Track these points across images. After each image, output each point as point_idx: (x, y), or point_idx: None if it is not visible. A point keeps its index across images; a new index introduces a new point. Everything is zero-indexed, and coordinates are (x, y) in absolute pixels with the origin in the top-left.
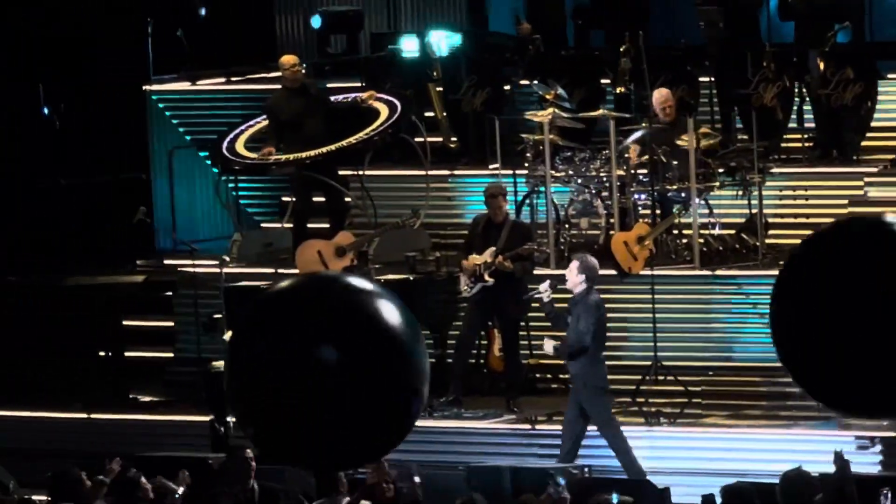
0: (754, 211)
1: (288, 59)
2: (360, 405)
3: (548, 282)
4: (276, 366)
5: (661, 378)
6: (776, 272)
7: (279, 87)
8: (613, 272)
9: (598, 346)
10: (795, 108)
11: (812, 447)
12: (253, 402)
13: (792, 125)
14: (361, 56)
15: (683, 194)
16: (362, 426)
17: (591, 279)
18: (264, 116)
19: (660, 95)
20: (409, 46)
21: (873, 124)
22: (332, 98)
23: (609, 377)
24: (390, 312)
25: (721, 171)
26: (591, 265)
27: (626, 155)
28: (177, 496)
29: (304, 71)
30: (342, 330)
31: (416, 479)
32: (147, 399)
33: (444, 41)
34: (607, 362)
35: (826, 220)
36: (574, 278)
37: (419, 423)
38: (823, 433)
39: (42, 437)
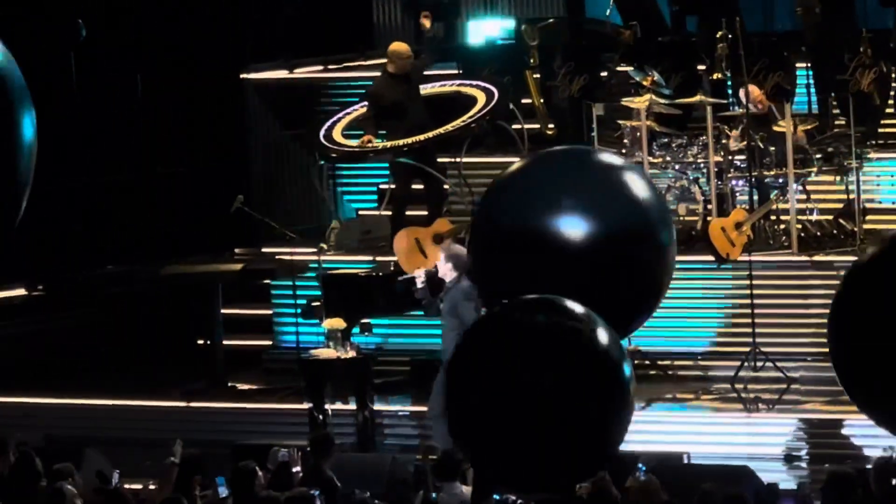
0: (852, 196)
1: (400, 48)
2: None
3: (423, 270)
4: None
5: (759, 364)
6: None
7: (379, 73)
8: (711, 258)
9: None
10: (893, 93)
11: None
12: None
13: (889, 110)
14: (458, 43)
15: (781, 180)
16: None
17: (460, 266)
18: (364, 103)
19: (751, 92)
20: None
21: None
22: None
23: (707, 363)
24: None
25: (818, 156)
26: (455, 253)
27: (724, 141)
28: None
29: (412, 58)
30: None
31: None
32: (245, 387)
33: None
34: (706, 348)
35: None
36: (443, 267)
37: None
38: None
39: (141, 426)
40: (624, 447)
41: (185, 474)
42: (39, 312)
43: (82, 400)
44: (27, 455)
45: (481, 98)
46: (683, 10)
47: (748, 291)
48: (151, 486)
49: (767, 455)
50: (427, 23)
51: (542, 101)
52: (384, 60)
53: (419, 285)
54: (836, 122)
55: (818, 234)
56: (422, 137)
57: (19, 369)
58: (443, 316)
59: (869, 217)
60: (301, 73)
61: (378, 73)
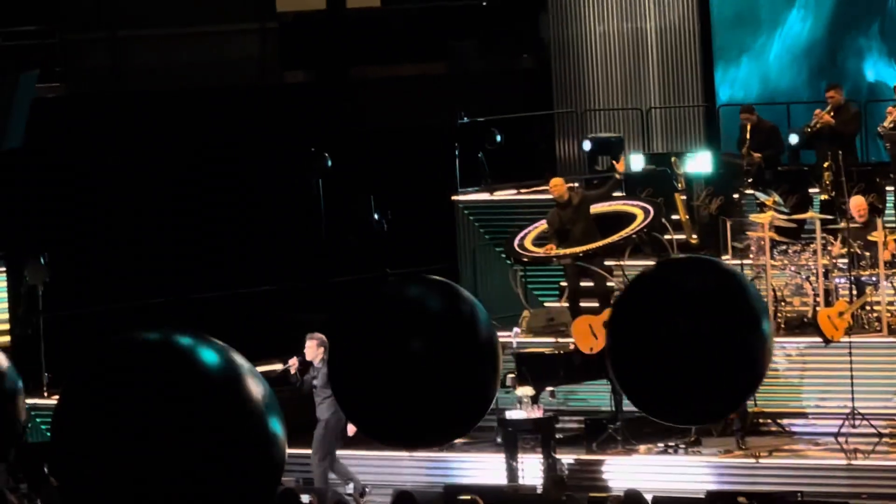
0: None
1: (554, 182)
2: None
3: (295, 357)
4: None
5: (857, 423)
6: None
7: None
8: (819, 340)
9: None
10: None
11: None
12: None
13: None
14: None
15: (874, 278)
16: None
17: (325, 347)
18: (544, 221)
19: (856, 202)
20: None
21: None
22: (591, 188)
23: (815, 421)
24: None
25: None
26: (321, 338)
27: (829, 248)
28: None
29: (567, 187)
30: None
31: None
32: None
33: (699, 160)
34: (815, 410)
35: None
36: (314, 351)
37: (669, 458)
38: None
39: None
40: (750, 488)
41: None
42: None
43: None
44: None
45: (640, 214)
46: (801, 147)
47: (849, 365)
48: None
49: (866, 492)
50: (620, 166)
51: (687, 216)
52: None
53: (291, 371)
54: None
55: None
56: (592, 246)
57: None
58: (317, 390)
59: None
60: (499, 195)
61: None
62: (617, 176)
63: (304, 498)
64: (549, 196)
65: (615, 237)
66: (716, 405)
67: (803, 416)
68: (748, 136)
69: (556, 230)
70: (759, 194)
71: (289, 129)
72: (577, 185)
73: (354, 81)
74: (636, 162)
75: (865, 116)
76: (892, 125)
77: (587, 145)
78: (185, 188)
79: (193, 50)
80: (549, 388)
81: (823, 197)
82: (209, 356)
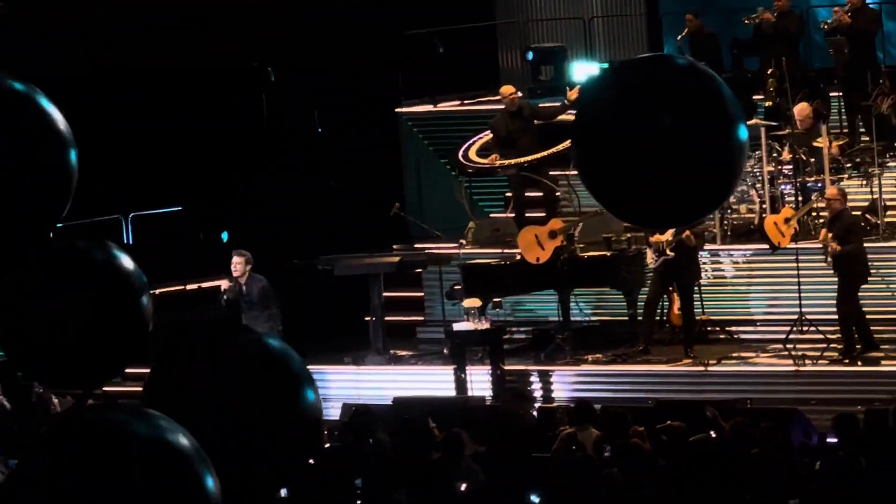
0: (875, 196)
1: (506, 89)
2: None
3: (226, 281)
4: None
5: (805, 328)
6: (893, 243)
7: (501, 107)
8: (766, 246)
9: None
10: None
11: None
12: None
13: None
14: (565, 82)
15: (820, 184)
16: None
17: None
18: (488, 132)
19: (800, 109)
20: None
21: None
22: (542, 105)
23: (764, 328)
24: None
25: (848, 165)
26: (251, 256)
27: (775, 154)
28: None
29: (519, 96)
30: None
31: None
32: (403, 353)
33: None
34: (763, 317)
35: None
36: (242, 268)
37: (617, 367)
38: None
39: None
40: (698, 397)
41: (356, 423)
42: None
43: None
44: None
45: None
46: (742, 53)
47: (795, 272)
48: None
49: (814, 398)
50: (572, 95)
51: None
52: None
53: (224, 293)
54: (862, 139)
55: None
56: (539, 155)
57: None
58: (251, 307)
59: (889, 212)
60: (442, 106)
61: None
62: (566, 102)
63: None
64: (493, 107)
65: (560, 146)
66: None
67: (751, 323)
68: (686, 42)
69: (503, 138)
70: None
71: (233, 44)
72: (520, 94)
73: None
74: (580, 70)
75: (808, 20)
76: (835, 24)
77: (530, 55)
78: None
79: None
80: (496, 300)
81: (768, 104)
82: None
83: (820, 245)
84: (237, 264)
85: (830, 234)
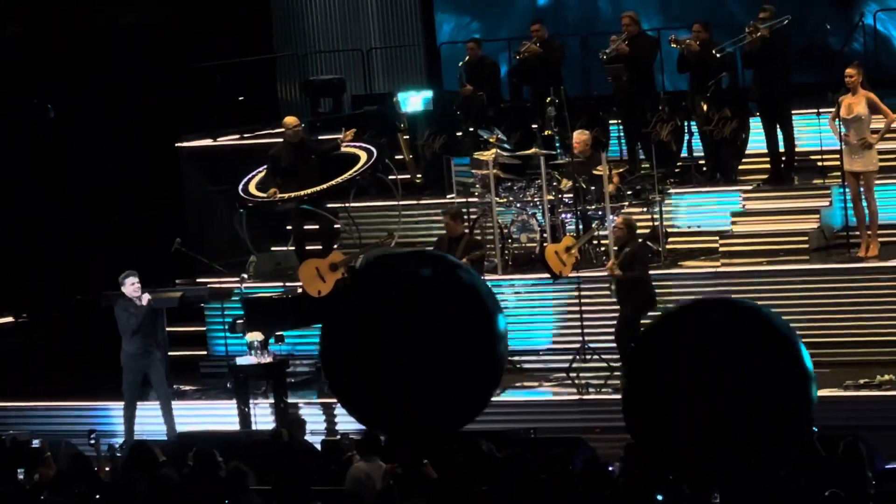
0: (656, 223)
1: (290, 120)
2: None
3: (147, 295)
4: None
5: (588, 357)
6: (675, 270)
7: (281, 140)
8: (547, 276)
9: None
10: (685, 141)
11: None
12: None
13: (683, 155)
14: (344, 114)
15: (600, 212)
16: None
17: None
18: (264, 167)
19: (578, 137)
20: (413, 102)
21: (747, 151)
22: (320, 138)
23: (547, 357)
24: None
25: (629, 192)
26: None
27: (555, 183)
28: None
29: (302, 127)
30: None
31: None
32: (187, 388)
33: (415, 99)
34: (546, 346)
35: (713, 230)
36: (137, 291)
37: None
38: None
39: (84, 422)
40: (478, 427)
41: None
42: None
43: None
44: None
45: (363, 156)
46: (520, 82)
47: (577, 300)
48: None
49: (599, 425)
50: (347, 136)
51: (411, 156)
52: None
53: (146, 304)
54: (643, 166)
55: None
56: (318, 189)
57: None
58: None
59: (671, 239)
60: (222, 140)
61: (281, 140)
62: (340, 139)
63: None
64: (272, 141)
65: (339, 179)
66: None
67: (534, 353)
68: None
69: (283, 168)
70: (482, 132)
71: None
72: (302, 125)
73: (79, 31)
74: (415, 102)
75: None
76: (613, 53)
77: (308, 89)
78: None
79: None
80: (279, 333)
81: (547, 132)
82: None
83: (603, 273)
84: (136, 283)
85: (613, 261)
